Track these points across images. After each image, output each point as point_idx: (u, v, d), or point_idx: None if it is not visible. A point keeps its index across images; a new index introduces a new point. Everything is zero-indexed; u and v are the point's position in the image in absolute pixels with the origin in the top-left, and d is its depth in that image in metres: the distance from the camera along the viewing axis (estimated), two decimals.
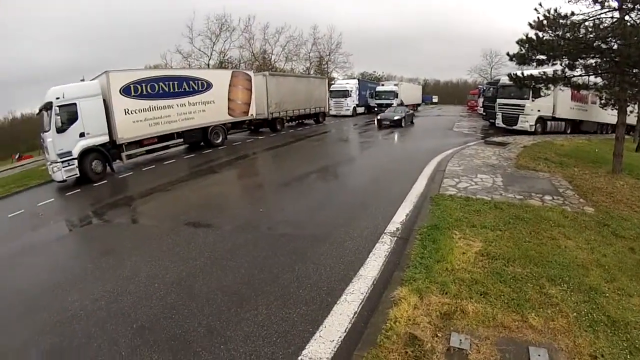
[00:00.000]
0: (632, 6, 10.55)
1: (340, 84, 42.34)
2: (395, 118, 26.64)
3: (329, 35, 58.92)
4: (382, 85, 45.85)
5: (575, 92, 19.08)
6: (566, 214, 7.43)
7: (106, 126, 14.63)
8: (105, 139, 14.61)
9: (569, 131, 22.59)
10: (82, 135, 13.75)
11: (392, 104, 38.25)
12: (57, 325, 4.93)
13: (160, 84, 16.70)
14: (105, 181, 13.95)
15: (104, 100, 14.56)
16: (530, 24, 11.78)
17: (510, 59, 13.09)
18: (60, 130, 13.13)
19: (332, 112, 36.82)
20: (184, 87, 17.90)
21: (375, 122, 27.70)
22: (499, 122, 22.79)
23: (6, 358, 4.45)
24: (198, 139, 19.30)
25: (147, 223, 9.49)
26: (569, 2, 11.48)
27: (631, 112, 13.52)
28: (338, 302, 4.77)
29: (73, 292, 5.75)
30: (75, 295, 5.64)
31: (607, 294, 4.55)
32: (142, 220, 9.76)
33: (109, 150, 14.76)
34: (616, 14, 10.89)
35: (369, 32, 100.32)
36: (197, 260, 6.39)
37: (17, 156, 41.09)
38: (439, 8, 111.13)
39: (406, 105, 40.96)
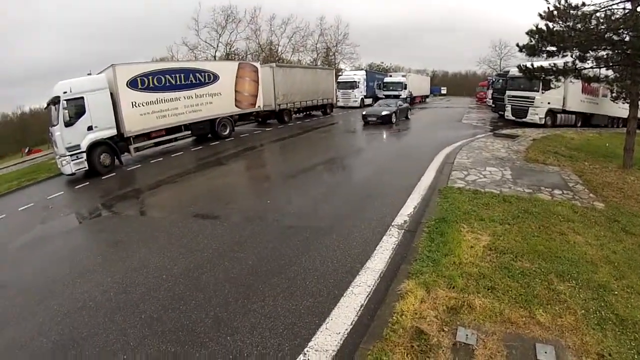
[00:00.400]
0: None
1: (347, 75, 42.09)
2: (383, 114, 22.91)
3: (335, 26, 58.72)
4: (390, 76, 45.54)
5: (586, 84, 18.83)
6: (576, 209, 7.35)
7: (114, 119, 14.71)
8: (113, 132, 14.70)
9: (579, 124, 22.25)
10: (90, 128, 13.84)
11: (400, 95, 37.96)
12: (67, 315, 5.00)
13: (167, 76, 16.73)
14: (114, 174, 14.04)
15: (111, 94, 14.63)
16: (540, 15, 11.62)
17: (520, 50, 12.93)
18: (68, 124, 13.23)
19: (340, 104, 36.66)
20: (191, 79, 17.91)
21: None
22: (508, 114, 22.53)
23: (18, 347, 4.52)
24: (205, 131, 19.34)
25: (155, 215, 9.55)
26: None
27: None
28: (345, 294, 4.78)
29: (83, 284, 5.83)
30: (84, 287, 5.71)
31: (616, 292, 4.50)
32: (150, 213, 9.82)
33: (117, 143, 14.85)
34: (628, 5, 10.69)
35: (376, 23, 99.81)
36: (204, 252, 6.44)
37: (26, 150, 41.50)
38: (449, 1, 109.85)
39: (412, 97, 40.68)
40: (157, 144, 17.01)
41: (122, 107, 14.88)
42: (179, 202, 9.98)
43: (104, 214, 9.80)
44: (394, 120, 23.24)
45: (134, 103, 15.33)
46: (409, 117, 26.71)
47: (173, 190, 11.35)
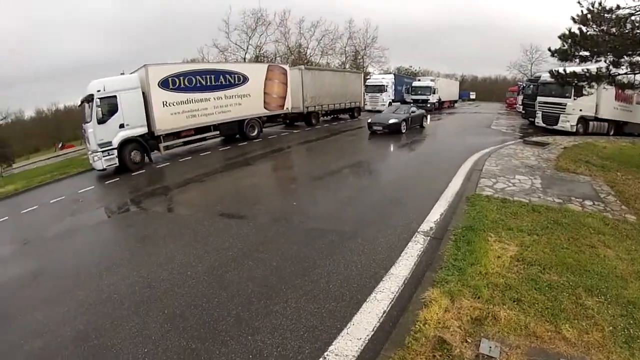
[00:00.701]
0: None
1: (376, 78, 41.94)
2: (390, 122, 20.23)
3: (364, 29, 58.49)
4: (419, 80, 44.99)
5: (620, 91, 18.21)
6: (607, 221, 7.11)
7: (145, 118, 15.15)
8: (144, 130, 15.13)
9: (611, 133, 21.51)
10: (121, 126, 14.29)
11: (429, 99, 37.64)
12: (92, 306, 5.21)
13: (198, 77, 17.09)
14: (143, 171, 14.43)
15: (143, 93, 15.06)
16: (573, 18, 11.36)
17: (552, 55, 12.66)
18: (101, 121, 13.70)
19: (368, 107, 36.52)
20: (221, 80, 18.24)
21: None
22: (538, 121, 21.95)
23: (42, 333, 4.74)
24: (234, 132, 19.67)
25: (182, 212, 9.76)
26: None
27: None
28: (367, 300, 4.75)
29: (109, 276, 6.04)
30: (110, 279, 5.92)
31: None
32: (177, 210, 10.04)
33: (148, 141, 15.29)
34: None
35: (405, 25, 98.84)
36: (229, 251, 6.53)
37: (59, 145, 42.97)
38: (478, 1, 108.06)
39: (440, 102, 40.05)
40: (186, 143, 17.43)
41: (154, 106, 15.28)
42: (205, 201, 10.15)
43: (133, 209, 10.08)
44: (404, 129, 20.57)
45: (165, 102, 15.72)
46: (424, 125, 23.86)
47: (200, 188, 11.56)
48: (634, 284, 4.88)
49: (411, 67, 75.23)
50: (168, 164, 15.37)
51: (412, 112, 22.07)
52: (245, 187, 11.21)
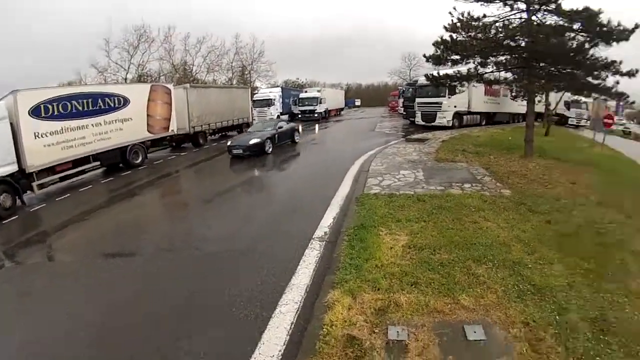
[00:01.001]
0: (538, 7, 11.77)
1: (263, 92, 42.02)
2: (252, 142, 17.91)
3: (251, 44, 58.46)
4: (306, 91, 46.07)
5: (488, 87, 20.65)
6: (485, 199, 7.93)
7: (14, 153, 13.17)
8: (13, 168, 13.08)
9: (483, 123, 24.40)
10: None
11: (316, 109, 38.75)
12: None
13: (73, 102, 15.41)
14: (16, 217, 12.56)
15: (11, 124, 13.16)
16: (445, 27, 12.68)
17: (427, 60, 13.95)
18: None
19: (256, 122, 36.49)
20: (99, 104, 16.67)
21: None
22: (418, 120, 23.99)
23: None
24: (116, 160, 17.94)
25: (64, 259, 8.69)
26: (481, 5, 12.46)
27: (539, 101, 14.93)
28: (273, 315, 4.64)
29: None
30: None
31: (530, 265, 4.94)
32: (58, 257, 8.94)
33: (19, 181, 13.31)
34: (524, 15, 12.02)
35: (291, 40, 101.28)
36: (120, 293, 5.94)
37: None
38: (359, 14, 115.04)
39: (327, 111, 41.46)
40: (63, 179, 15.44)
41: (24, 139, 13.30)
42: (89, 242, 9.16)
43: (7, 264, 8.70)
44: (269, 149, 18.42)
45: (36, 134, 13.85)
46: (297, 140, 21.59)
47: (83, 228, 10.42)
48: (516, 247, 5.55)
49: (298, 79, 77.19)
50: (44, 205, 13.60)
51: (280, 127, 20.19)
52: (131, 220, 10.40)
